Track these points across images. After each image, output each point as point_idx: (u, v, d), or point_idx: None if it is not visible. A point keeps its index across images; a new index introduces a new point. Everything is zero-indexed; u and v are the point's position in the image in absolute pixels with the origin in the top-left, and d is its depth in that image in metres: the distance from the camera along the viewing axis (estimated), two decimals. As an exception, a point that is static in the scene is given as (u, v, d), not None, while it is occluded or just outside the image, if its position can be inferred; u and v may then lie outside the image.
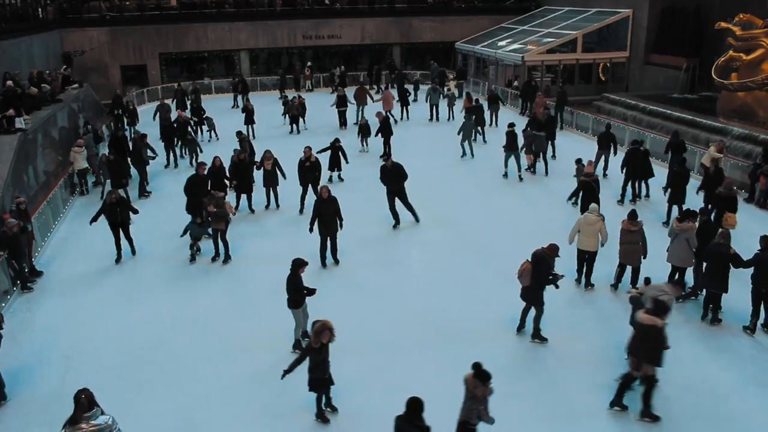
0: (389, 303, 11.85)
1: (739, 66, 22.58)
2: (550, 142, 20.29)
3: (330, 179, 18.59)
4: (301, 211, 16.18)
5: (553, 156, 20.65)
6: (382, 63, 36.47)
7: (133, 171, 18.44)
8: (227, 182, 15.90)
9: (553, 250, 10.29)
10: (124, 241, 13.87)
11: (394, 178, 15.04)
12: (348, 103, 26.02)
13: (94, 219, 13.59)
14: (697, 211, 11.76)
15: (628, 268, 11.87)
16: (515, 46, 32.93)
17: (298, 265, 9.83)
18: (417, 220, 15.61)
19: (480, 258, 13.77)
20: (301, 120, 25.59)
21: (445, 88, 29.11)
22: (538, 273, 10.13)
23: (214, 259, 13.72)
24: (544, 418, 8.65)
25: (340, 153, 18.57)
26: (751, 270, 10.54)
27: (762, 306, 10.55)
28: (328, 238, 13.24)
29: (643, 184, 16.77)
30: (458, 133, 21.34)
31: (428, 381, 9.16)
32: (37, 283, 12.94)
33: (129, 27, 34.36)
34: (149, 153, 18.44)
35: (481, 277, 12.87)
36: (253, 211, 16.61)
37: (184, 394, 9.31)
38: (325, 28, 37.03)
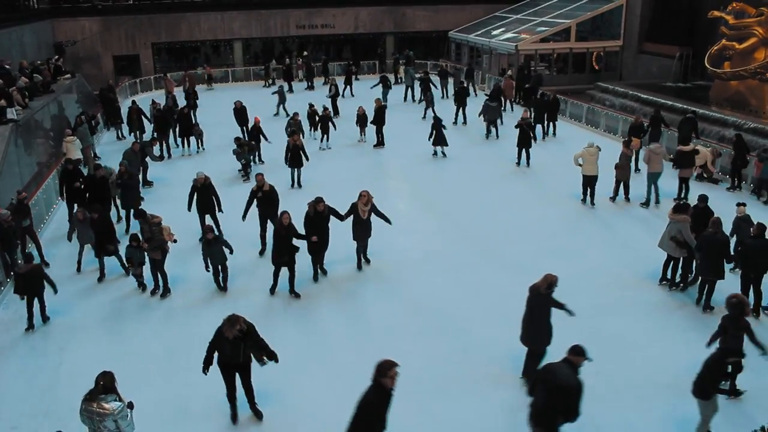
0: (385, 292, 11.91)
1: (731, 55, 22.63)
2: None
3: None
4: (261, 253, 13.48)
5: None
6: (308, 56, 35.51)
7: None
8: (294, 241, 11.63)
9: None
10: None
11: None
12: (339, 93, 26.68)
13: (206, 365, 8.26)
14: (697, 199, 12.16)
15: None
16: (509, 35, 32.85)
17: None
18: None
19: (469, 240, 13.88)
20: (324, 137, 21.37)
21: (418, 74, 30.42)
22: None
23: (153, 293, 12.00)
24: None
25: (530, 131, 18.84)
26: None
27: (752, 290, 10.70)
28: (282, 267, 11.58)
29: (550, 125, 22.55)
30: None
31: (420, 368, 9.30)
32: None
33: (121, 16, 34.13)
34: (155, 154, 18.78)
35: (469, 259, 12.98)
36: (325, 272, 12.58)
37: (179, 383, 9.33)
38: (318, 17, 36.87)
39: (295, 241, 11.49)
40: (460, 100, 24.32)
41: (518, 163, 19.32)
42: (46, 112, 20.41)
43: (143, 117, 22.33)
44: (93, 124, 21.52)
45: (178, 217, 13.55)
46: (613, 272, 12.48)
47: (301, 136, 18.96)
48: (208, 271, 11.74)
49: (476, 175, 18.63)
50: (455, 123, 24.08)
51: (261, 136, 19.64)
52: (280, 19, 36.41)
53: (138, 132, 22.19)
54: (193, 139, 21.60)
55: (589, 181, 15.65)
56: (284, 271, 11.63)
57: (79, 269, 12.94)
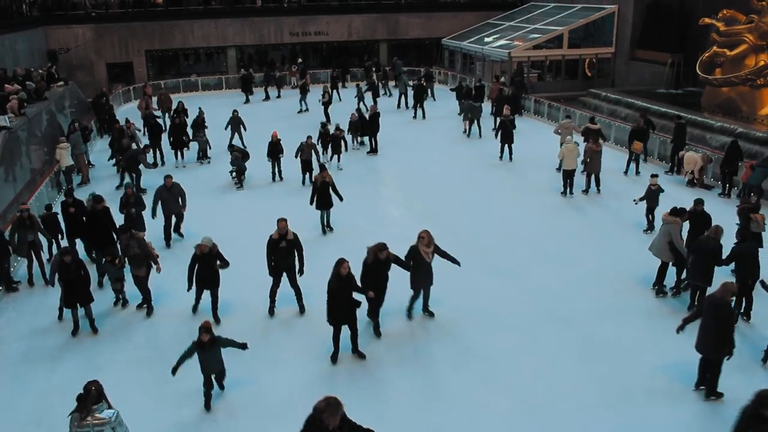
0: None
1: (723, 61, 22.82)
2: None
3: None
4: (270, 312, 11.41)
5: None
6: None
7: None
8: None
9: None
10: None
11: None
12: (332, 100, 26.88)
13: None
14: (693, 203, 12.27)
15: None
16: (502, 42, 33.01)
17: None
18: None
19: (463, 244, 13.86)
20: (335, 158, 19.72)
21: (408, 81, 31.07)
22: None
23: (139, 307, 11.69)
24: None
25: None
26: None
27: (744, 297, 10.74)
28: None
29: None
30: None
31: (413, 372, 9.26)
32: (23, 282, 12.84)
33: (114, 24, 34.12)
34: (149, 161, 18.69)
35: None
36: (379, 334, 10.71)
37: (171, 391, 9.28)
38: (311, 25, 36.99)
39: (354, 295, 9.78)
40: (418, 97, 26.76)
41: (501, 158, 20.55)
42: (40, 120, 20.37)
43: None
44: (86, 133, 21.45)
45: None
46: (607, 276, 12.51)
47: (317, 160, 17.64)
48: (209, 390, 8.99)
49: (464, 172, 19.68)
50: (414, 117, 26.74)
51: (280, 152, 18.62)
52: (274, 27, 36.49)
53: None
54: (190, 147, 21.01)
55: (568, 175, 17.12)
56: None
57: (60, 316, 11.42)
